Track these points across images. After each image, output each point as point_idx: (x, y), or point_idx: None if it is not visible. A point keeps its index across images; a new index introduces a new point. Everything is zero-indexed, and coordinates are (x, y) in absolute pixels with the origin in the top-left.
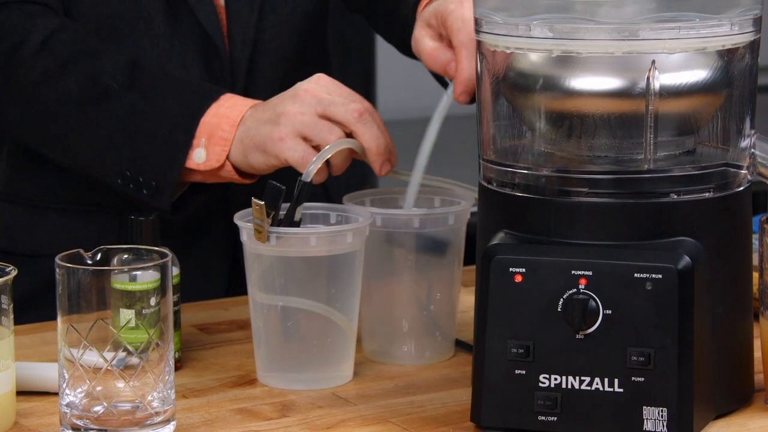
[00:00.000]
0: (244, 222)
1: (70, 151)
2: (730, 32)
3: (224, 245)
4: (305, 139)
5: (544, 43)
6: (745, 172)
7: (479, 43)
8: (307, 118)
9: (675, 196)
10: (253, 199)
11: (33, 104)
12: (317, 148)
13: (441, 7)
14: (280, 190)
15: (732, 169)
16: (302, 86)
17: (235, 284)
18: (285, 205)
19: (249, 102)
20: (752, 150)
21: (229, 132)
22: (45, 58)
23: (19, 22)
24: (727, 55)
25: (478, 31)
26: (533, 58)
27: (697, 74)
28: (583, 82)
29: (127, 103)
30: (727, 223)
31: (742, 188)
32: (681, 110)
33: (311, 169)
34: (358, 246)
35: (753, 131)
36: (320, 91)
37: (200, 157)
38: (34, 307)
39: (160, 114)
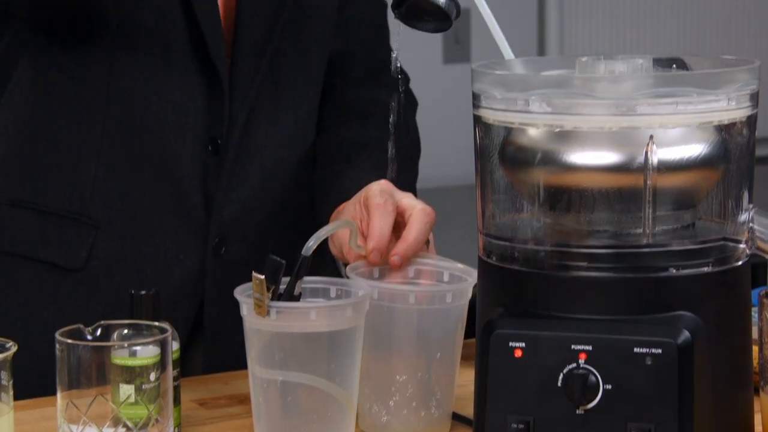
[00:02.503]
0: (244, 297)
1: None
2: (727, 107)
3: (194, 284)
4: None
5: (543, 118)
6: (744, 246)
7: (478, 118)
8: None
9: (674, 271)
10: (254, 274)
11: None
12: None
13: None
14: (280, 264)
15: (731, 244)
16: None
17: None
18: (285, 279)
19: None
20: (751, 224)
21: None
22: None
23: None
24: (725, 130)
25: (476, 106)
26: (532, 133)
27: (695, 149)
28: (581, 156)
29: None
30: (726, 297)
31: (740, 263)
32: (679, 185)
33: (311, 245)
34: (358, 320)
35: (751, 205)
36: None
37: None
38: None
39: None
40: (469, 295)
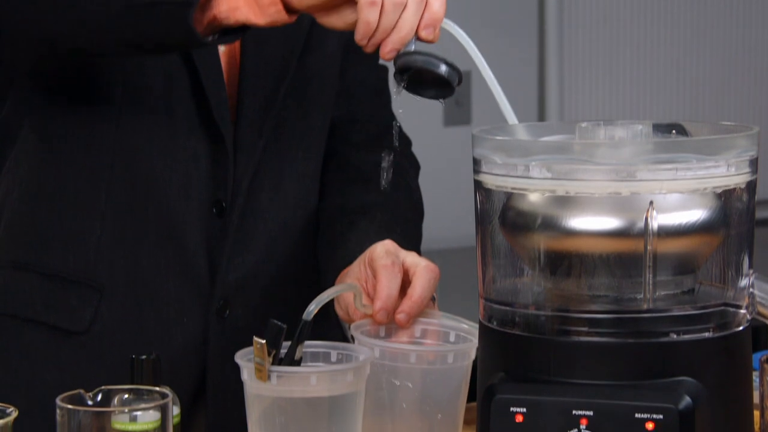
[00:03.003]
0: (245, 361)
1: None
2: (726, 173)
3: (197, 347)
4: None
5: (543, 184)
6: (745, 311)
7: (478, 183)
8: None
9: (675, 336)
10: (255, 338)
11: None
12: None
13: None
14: (281, 328)
15: (731, 309)
16: None
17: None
18: (286, 344)
19: None
20: (751, 290)
21: None
22: None
23: None
24: (725, 196)
25: (477, 171)
26: (532, 198)
27: (695, 214)
28: (581, 222)
29: None
30: (727, 362)
31: (741, 328)
32: (679, 250)
33: (312, 309)
34: (359, 385)
35: (751, 271)
36: None
37: None
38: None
39: None
40: (473, 356)
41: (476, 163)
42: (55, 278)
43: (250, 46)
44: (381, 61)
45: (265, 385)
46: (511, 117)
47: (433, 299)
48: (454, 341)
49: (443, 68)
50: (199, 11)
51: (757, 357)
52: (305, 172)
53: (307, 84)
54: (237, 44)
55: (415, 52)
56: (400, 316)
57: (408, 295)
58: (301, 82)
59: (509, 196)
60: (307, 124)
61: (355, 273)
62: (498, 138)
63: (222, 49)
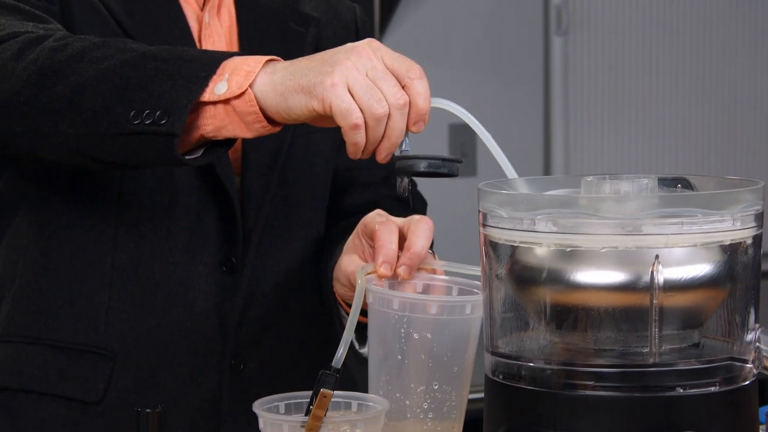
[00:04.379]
0: (263, 410)
1: (79, 112)
2: (732, 228)
3: (212, 405)
4: (351, 93)
5: (549, 238)
6: (751, 366)
7: (484, 236)
8: (360, 76)
9: (681, 390)
10: (323, 390)
11: (47, 75)
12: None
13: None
14: (336, 377)
15: (738, 363)
16: (359, 46)
17: None
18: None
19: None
20: (757, 344)
21: (255, 66)
22: (69, 37)
23: (51, 30)
24: (730, 250)
25: (483, 225)
26: (538, 252)
27: (701, 268)
28: (587, 275)
29: (147, 52)
30: (733, 417)
31: (748, 382)
32: (685, 304)
33: (339, 355)
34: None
35: (758, 325)
36: (377, 56)
37: (221, 89)
38: None
39: (181, 58)
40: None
41: (481, 216)
42: (67, 350)
43: None
44: None
45: None
46: (511, 172)
47: (432, 253)
48: (457, 295)
49: (443, 168)
50: (185, 133)
51: (764, 411)
52: (312, 221)
53: (311, 134)
54: None
55: (413, 157)
56: (401, 269)
57: (406, 247)
58: (306, 130)
59: (515, 249)
60: (313, 172)
61: (351, 248)
62: (504, 192)
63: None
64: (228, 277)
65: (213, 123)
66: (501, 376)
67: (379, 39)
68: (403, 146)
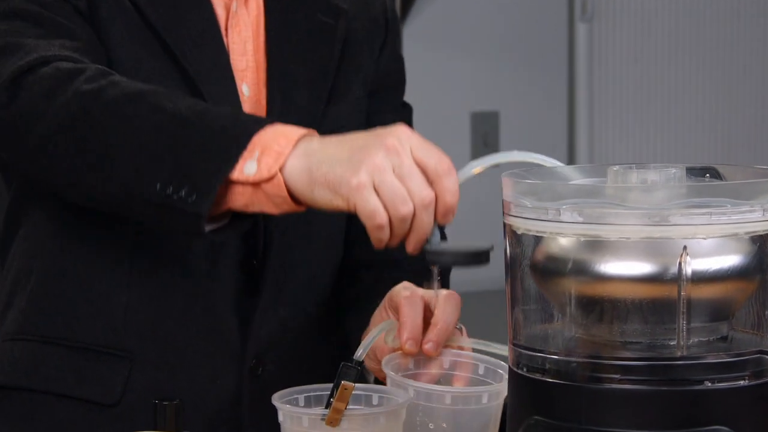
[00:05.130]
0: (282, 402)
1: (109, 170)
2: (762, 218)
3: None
4: (376, 191)
5: (574, 228)
6: None
7: (507, 226)
8: (388, 176)
9: (709, 384)
10: (344, 382)
11: (79, 126)
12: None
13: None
14: (359, 369)
15: (767, 357)
16: (388, 138)
17: None
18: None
19: (303, 129)
20: None
21: (286, 146)
22: (102, 84)
23: (81, 65)
24: (760, 241)
25: (506, 215)
26: (563, 242)
27: (730, 260)
28: (613, 266)
29: (179, 118)
30: (763, 411)
31: None
32: (714, 296)
33: (361, 353)
34: (395, 431)
35: None
36: (404, 150)
37: (250, 169)
38: None
39: (212, 129)
40: (505, 393)
41: (505, 206)
42: (84, 350)
43: (276, 97)
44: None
45: (321, 430)
46: (549, 161)
47: (459, 329)
48: (483, 374)
49: (474, 260)
50: (213, 204)
51: None
52: (332, 221)
53: (333, 133)
54: (261, 95)
55: (443, 252)
56: (428, 346)
57: (432, 323)
58: (328, 130)
59: (539, 240)
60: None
61: (377, 320)
62: (528, 181)
63: (244, 99)
64: (248, 278)
65: (241, 200)
66: (525, 369)
67: (401, 27)
68: (433, 238)
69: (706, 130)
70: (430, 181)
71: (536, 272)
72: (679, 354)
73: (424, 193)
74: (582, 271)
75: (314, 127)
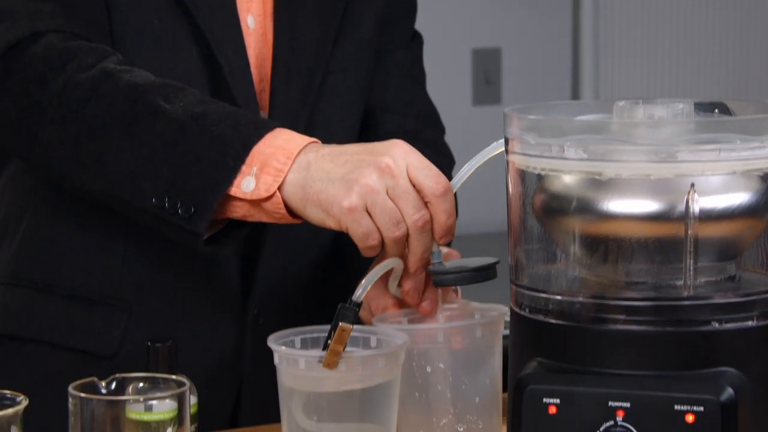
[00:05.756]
0: (277, 345)
1: (105, 172)
2: None
3: (233, 360)
4: (369, 212)
5: (578, 165)
6: None
7: (510, 164)
8: (380, 198)
9: (716, 325)
10: (342, 324)
11: (74, 122)
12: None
13: None
14: (355, 310)
15: None
16: (384, 158)
17: (243, 409)
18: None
19: (306, 138)
20: None
21: (285, 163)
22: (95, 76)
23: (73, 44)
24: None
25: (508, 152)
26: (567, 180)
27: (739, 197)
28: (618, 205)
29: (177, 123)
30: None
31: None
32: (722, 235)
33: (359, 293)
34: (394, 373)
35: None
36: (399, 170)
37: (249, 185)
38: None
39: (210, 136)
40: (501, 329)
41: (507, 142)
42: (80, 299)
43: (284, 30)
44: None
45: (327, 372)
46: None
47: (455, 290)
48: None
49: (479, 277)
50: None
51: None
52: None
53: (343, 71)
54: (268, 29)
55: (447, 272)
56: (425, 304)
57: (431, 282)
58: (337, 68)
59: (542, 177)
60: (342, 115)
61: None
62: (531, 117)
63: (249, 32)
64: (252, 224)
65: (239, 213)
66: (527, 310)
67: None
68: (434, 258)
69: (715, 65)
70: (426, 202)
71: (539, 211)
72: (685, 294)
73: (417, 215)
74: (586, 209)
75: (319, 69)
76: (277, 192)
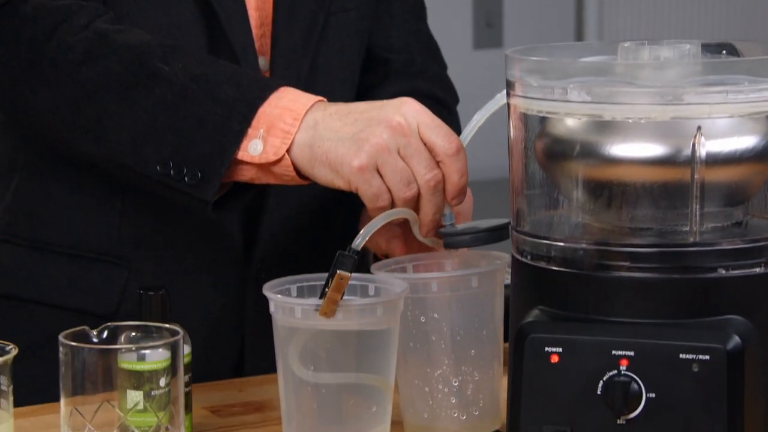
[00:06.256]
0: (273, 293)
1: (105, 138)
2: None
3: (235, 314)
4: (379, 172)
5: (582, 108)
6: None
7: (512, 107)
8: (391, 158)
9: (723, 271)
10: (340, 272)
11: (69, 86)
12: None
13: None
14: (354, 258)
15: None
16: (395, 116)
17: (246, 362)
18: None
19: (312, 97)
20: None
21: (292, 125)
22: (88, 37)
23: (63, 3)
24: None
25: (510, 95)
26: (570, 124)
27: (747, 141)
28: (623, 149)
29: (177, 86)
30: None
31: None
32: (729, 179)
33: (360, 241)
34: (392, 322)
35: None
36: (411, 129)
37: (256, 148)
38: (29, 361)
39: (213, 99)
40: (502, 280)
41: (509, 85)
42: (78, 258)
43: None
44: None
45: (325, 321)
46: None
47: None
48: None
49: (491, 238)
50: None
51: None
52: None
53: (345, 11)
54: None
55: (459, 232)
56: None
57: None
58: (339, 8)
59: (545, 121)
60: (344, 57)
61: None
62: (533, 58)
63: None
64: None
65: (246, 176)
66: (528, 257)
67: None
68: (446, 219)
69: (723, 4)
70: (438, 162)
71: (541, 156)
72: (691, 240)
73: (429, 174)
74: (590, 153)
75: (321, 10)
76: (286, 155)
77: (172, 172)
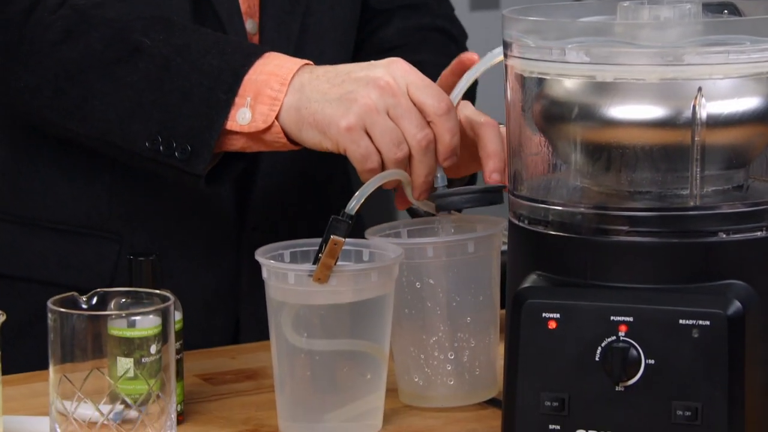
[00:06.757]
0: (266, 258)
1: (91, 118)
2: None
3: (230, 285)
4: (368, 133)
5: (580, 69)
6: None
7: (509, 68)
8: (380, 118)
9: (723, 235)
10: (334, 237)
11: (51, 67)
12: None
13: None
14: (349, 223)
15: None
16: (383, 76)
17: (241, 333)
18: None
19: (298, 61)
20: None
21: (279, 90)
22: (66, 15)
23: None
24: None
25: (507, 56)
26: (568, 85)
27: (748, 102)
28: (622, 110)
29: (160, 60)
30: None
31: None
32: (730, 141)
33: (353, 205)
34: (387, 288)
35: None
36: (400, 89)
37: (244, 117)
38: (20, 340)
39: (198, 70)
40: (499, 245)
41: (506, 46)
42: (68, 233)
43: None
44: None
45: (317, 287)
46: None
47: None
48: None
49: (485, 199)
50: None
51: None
52: None
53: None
54: None
55: (451, 193)
56: (496, 176)
57: (491, 153)
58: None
59: (543, 82)
60: (336, 15)
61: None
62: (531, 18)
63: None
64: None
65: (236, 146)
66: (526, 221)
67: None
68: (438, 181)
69: None
70: (429, 122)
71: (539, 118)
72: (691, 203)
73: (421, 134)
74: (588, 115)
75: None
76: (276, 121)
77: (161, 147)
